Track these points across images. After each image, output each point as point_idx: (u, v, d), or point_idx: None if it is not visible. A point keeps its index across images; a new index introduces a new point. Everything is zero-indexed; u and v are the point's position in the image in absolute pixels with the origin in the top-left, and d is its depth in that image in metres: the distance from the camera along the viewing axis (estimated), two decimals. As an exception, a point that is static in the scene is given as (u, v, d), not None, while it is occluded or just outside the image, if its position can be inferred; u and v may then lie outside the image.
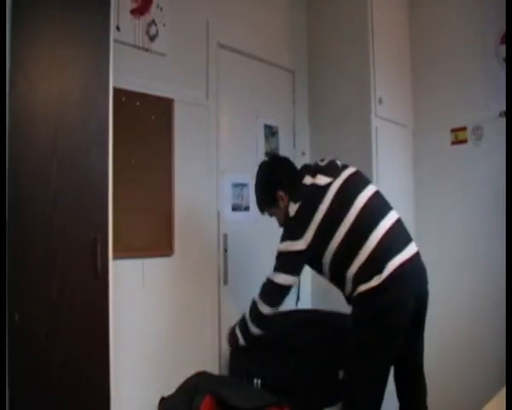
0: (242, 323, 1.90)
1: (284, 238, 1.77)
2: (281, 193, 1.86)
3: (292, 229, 1.76)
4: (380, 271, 1.57)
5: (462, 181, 2.60)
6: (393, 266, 1.58)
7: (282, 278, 1.75)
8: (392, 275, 1.57)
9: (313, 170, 1.83)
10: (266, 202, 1.94)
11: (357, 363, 1.63)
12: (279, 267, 1.77)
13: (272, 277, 1.78)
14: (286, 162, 1.97)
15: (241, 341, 1.90)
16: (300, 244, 1.70)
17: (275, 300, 1.79)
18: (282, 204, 1.86)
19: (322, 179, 1.77)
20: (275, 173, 1.92)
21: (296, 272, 1.78)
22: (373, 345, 1.60)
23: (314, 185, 1.76)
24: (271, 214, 1.97)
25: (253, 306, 1.83)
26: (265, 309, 1.79)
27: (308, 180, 1.79)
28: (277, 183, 1.87)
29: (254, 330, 1.83)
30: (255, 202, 2.02)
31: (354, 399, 1.64)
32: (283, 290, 1.78)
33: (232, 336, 1.97)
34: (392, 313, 1.59)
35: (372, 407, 1.63)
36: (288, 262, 1.76)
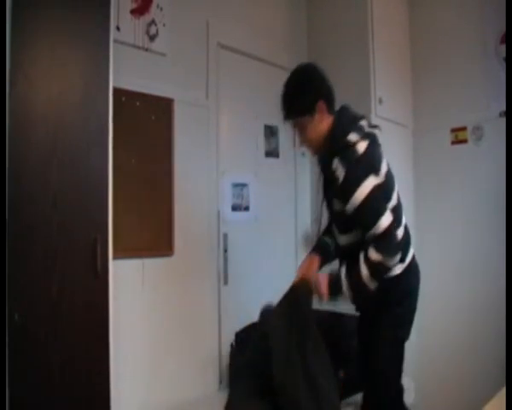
0: (356, 280, 1.55)
1: (362, 176, 1.50)
2: (322, 104, 1.61)
3: (368, 164, 1.53)
4: (403, 260, 1.62)
5: (462, 181, 2.60)
6: (410, 258, 1.67)
7: (386, 220, 1.49)
8: (409, 265, 1.65)
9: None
10: (302, 107, 1.63)
11: (387, 348, 1.63)
12: (377, 211, 1.50)
13: (376, 228, 1.49)
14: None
15: (347, 290, 1.58)
16: (380, 178, 1.53)
17: (396, 246, 1.52)
18: (317, 117, 1.62)
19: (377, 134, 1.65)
20: (322, 80, 1.66)
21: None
22: (399, 329, 1.64)
23: (375, 135, 1.63)
24: (296, 125, 1.69)
25: (378, 266, 1.51)
26: (393, 261, 1.52)
27: (365, 125, 1.63)
28: (323, 91, 1.63)
29: (373, 286, 1.54)
30: (282, 106, 1.68)
31: (387, 385, 1.66)
32: (394, 230, 1.52)
33: (335, 284, 1.60)
34: (411, 298, 1.68)
35: (397, 391, 1.70)
36: (380, 200, 1.53)
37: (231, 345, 2.28)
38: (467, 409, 2.06)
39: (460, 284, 2.57)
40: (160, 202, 2.14)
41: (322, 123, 1.63)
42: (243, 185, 2.58)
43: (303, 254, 2.90)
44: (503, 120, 2.37)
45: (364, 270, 1.51)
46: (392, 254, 1.51)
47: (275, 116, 2.83)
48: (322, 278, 1.63)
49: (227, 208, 2.51)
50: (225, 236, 2.46)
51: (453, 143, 2.66)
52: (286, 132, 2.89)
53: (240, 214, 2.58)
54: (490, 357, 2.35)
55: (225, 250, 2.46)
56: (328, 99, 1.64)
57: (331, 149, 1.59)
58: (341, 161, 1.53)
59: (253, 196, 2.64)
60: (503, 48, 2.40)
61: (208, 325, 2.33)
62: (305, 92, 1.63)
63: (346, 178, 1.52)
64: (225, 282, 2.45)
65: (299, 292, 1.65)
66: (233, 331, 2.29)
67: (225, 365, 2.35)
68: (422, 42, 2.84)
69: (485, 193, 2.50)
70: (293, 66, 2.93)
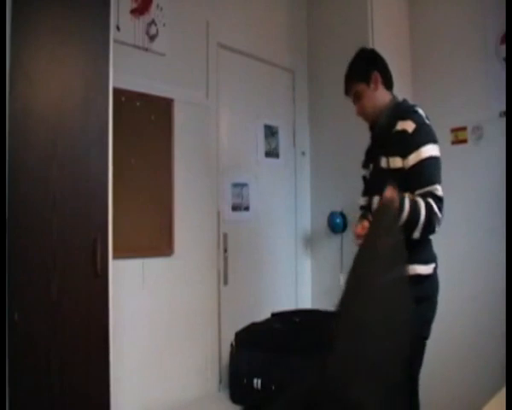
0: (415, 214, 1.54)
1: (432, 136, 1.60)
2: (377, 75, 1.72)
3: (430, 131, 1.61)
4: (434, 260, 1.69)
5: (462, 181, 2.60)
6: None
7: (441, 190, 1.57)
8: (436, 267, 1.70)
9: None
10: (357, 73, 1.76)
11: (413, 345, 1.64)
12: (438, 174, 1.59)
13: (435, 188, 1.56)
14: None
15: (406, 214, 1.53)
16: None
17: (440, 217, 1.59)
18: (372, 87, 1.72)
19: None
20: (379, 58, 1.80)
21: None
22: (425, 327, 1.70)
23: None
24: (356, 94, 1.77)
25: (434, 216, 1.56)
26: (440, 225, 1.60)
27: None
28: (378, 65, 1.76)
29: (416, 234, 1.59)
30: (345, 77, 1.81)
31: (416, 380, 1.68)
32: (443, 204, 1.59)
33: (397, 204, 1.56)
34: (436, 297, 1.70)
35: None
36: (440, 170, 1.60)
37: (231, 345, 2.28)
38: (467, 409, 2.06)
39: (460, 284, 2.57)
40: (160, 202, 2.14)
41: (378, 93, 1.72)
42: (243, 185, 2.58)
43: (303, 255, 2.91)
44: (503, 119, 2.37)
45: (423, 212, 1.54)
46: (442, 220, 1.58)
47: (275, 116, 2.86)
48: None
49: (227, 208, 2.51)
50: (225, 236, 2.46)
51: (453, 143, 2.66)
52: (286, 132, 2.90)
53: (240, 214, 2.58)
54: (490, 357, 2.35)
55: (225, 250, 2.46)
56: (385, 75, 1.75)
57: (396, 115, 1.65)
58: (411, 118, 1.60)
59: (253, 195, 2.64)
60: (504, 48, 2.39)
61: (208, 325, 2.33)
62: (360, 61, 1.79)
63: (416, 130, 1.58)
64: (225, 282, 2.45)
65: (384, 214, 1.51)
66: (233, 331, 2.29)
67: (225, 365, 2.35)
68: (422, 42, 2.84)
69: (485, 193, 2.50)
70: (292, 66, 2.98)
